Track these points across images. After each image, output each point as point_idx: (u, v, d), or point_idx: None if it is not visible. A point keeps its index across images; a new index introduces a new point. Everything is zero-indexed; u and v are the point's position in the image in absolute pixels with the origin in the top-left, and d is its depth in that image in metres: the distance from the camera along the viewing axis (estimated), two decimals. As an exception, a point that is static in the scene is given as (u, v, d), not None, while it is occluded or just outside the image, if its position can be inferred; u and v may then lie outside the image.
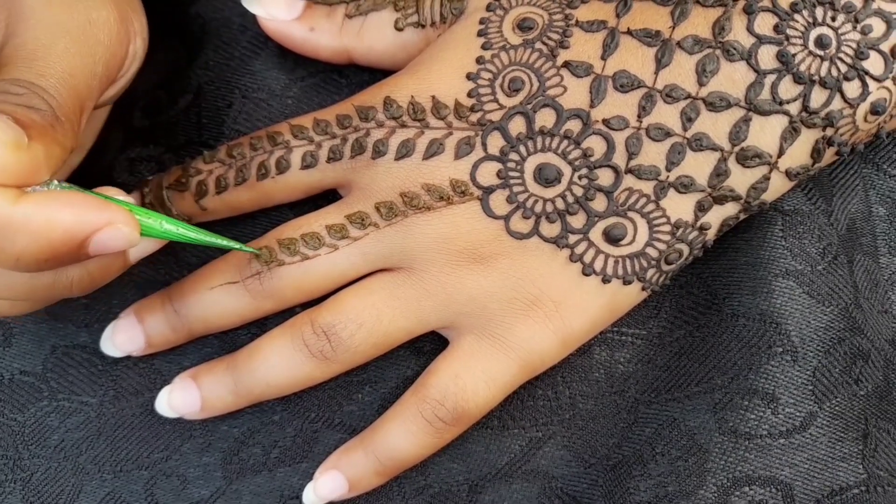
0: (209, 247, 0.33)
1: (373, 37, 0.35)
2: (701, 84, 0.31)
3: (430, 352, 0.36)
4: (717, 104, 0.31)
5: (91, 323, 0.37)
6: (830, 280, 0.35)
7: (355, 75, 0.37)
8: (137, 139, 0.38)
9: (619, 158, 0.31)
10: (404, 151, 0.32)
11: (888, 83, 0.31)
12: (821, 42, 0.31)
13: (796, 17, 0.31)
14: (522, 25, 0.33)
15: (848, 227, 0.36)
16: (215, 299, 0.34)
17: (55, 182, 0.28)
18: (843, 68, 0.31)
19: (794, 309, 0.34)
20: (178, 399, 0.35)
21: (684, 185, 0.32)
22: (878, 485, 0.34)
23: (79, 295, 0.31)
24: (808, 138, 0.31)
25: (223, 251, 0.35)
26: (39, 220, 0.26)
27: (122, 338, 0.36)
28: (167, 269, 0.37)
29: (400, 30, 0.35)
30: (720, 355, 0.35)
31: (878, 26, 0.31)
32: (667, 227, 0.32)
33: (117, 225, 0.27)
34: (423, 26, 0.35)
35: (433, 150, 0.32)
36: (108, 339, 0.36)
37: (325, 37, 0.35)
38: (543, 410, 0.36)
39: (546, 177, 0.32)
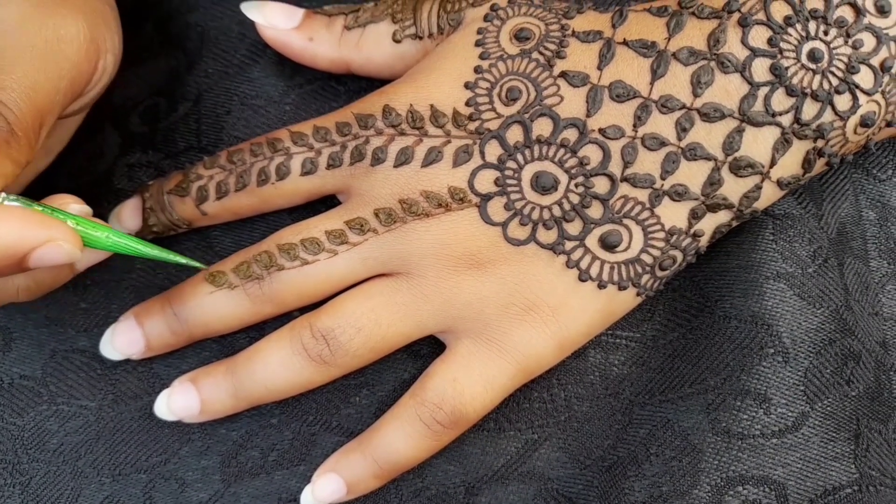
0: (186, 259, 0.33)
1: (371, 48, 0.35)
2: (695, 95, 0.31)
3: (427, 355, 0.36)
4: (712, 115, 0.31)
5: (90, 327, 0.37)
6: (821, 282, 0.35)
7: (353, 82, 0.37)
8: (136, 145, 0.38)
9: (615, 167, 0.32)
10: (403, 159, 0.33)
11: (877, 97, 0.32)
12: (813, 56, 0.31)
13: (790, 30, 0.31)
14: (519, 35, 0.33)
15: (838, 230, 0.36)
16: (215, 303, 0.34)
17: (3, 195, 0.28)
18: (835, 82, 0.31)
19: (786, 311, 0.35)
20: (178, 402, 0.35)
21: (678, 194, 0.32)
22: (871, 484, 0.34)
23: (25, 300, 0.32)
24: (799, 149, 0.32)
25: (222, 255, 0.36)
26: None
27: (122, 341, 0.36)
28: (166, 272, 0.37)
29: (398, 41, 0.35)
30: (713, 357, 0.35)
31: (868, 41, 0.31)
32: (661, 234, 0.32)
33: (58, 242, 0.28)
34: (421, 38, 0.35)
35: (431, 157, 0.32)
36: (107, 342, 0.36)
37: (323, 47, 0.35)
38: (539, 413, 0.36)
39: (543, 184, 0.32)
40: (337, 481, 0.35)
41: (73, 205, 0.30)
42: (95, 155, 0.38)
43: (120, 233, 0.31)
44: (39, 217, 0.28)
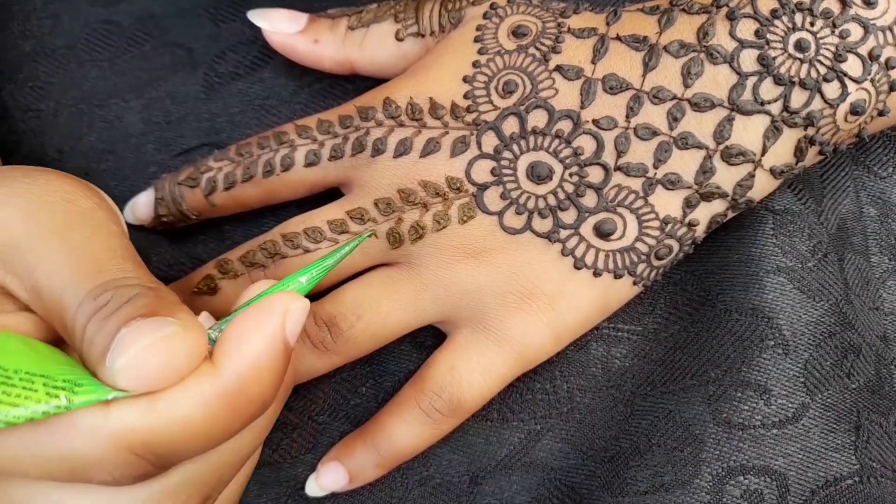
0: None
1: (375, 47, 0.36)
2: (686, 86, 0.32)
3: (432, 346, 0.36)
4: (702, 104, 0.32)
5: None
6: (820, 276, 0.35)
7: (361, 81, 0.38)
8: (148, 143, 0.38)
9: (609, 156, 0.32)
10: (402, 150, 0.33)
11: (867, 85, 0.32)
12: (800, 46, 0.31)
13: (776, 22, 0.31)
14: (517, 32, 0.34)
15: (838, 226, 0.36)
16: (222, 290, 0.35)
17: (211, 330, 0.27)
18: (822, 70, 0.31)
19: (786, 304, 0.35)
20: None
21: (671, 182, 0.32)
22: (872, 475, 0.34)
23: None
24: (790, 137, 0.32)
25: (224, 249, 0.36)
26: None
27: None
28: (180, 267, 0.38)
29: (401, 40, 0.36)
30: (714, 349, 0.35)
31: (855, 31, 0.31)
32: (656, 223, 0.33)
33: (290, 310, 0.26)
34: (423, 36, 0.36)
35: (430, 148, 0.33)
36: None
37: (328, 48, 0.36)
38: (542, 404, 0.37)
39: (538, 174, 0.32)
40: (339, 470, 0.35)
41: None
42: (107, 151, 0.38)
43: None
44: (261, 306, 0.26)
